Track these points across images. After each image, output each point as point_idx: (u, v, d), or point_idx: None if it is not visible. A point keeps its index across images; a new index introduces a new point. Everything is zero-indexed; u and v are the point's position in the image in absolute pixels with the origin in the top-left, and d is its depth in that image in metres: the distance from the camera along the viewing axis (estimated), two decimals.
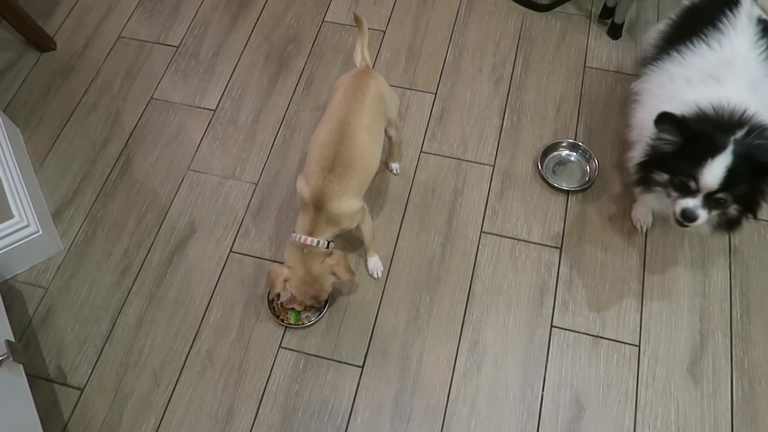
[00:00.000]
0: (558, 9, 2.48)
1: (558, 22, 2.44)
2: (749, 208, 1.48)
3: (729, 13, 1.63)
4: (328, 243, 1.64)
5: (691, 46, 1.65)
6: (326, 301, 1.85)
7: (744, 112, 1.46)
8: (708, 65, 1.59)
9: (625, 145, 2.13)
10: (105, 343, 1.86)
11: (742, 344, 1.79)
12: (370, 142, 1.67)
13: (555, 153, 2.13)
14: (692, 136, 1.42)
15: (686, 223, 1.49)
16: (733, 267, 1.91)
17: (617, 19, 2.33)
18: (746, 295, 1.86)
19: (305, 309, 1.85)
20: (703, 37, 1.63)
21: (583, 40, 2.39)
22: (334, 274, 1.65)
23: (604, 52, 2.36)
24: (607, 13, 2.39)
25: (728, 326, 1.82)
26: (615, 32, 2.37)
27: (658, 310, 1.85)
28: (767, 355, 1.77)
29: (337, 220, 1.62)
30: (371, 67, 1.80)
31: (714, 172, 1.40)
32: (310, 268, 1.62)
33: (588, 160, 2.10)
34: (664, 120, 1.42)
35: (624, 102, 2.23)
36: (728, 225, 1.55)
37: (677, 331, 1.81)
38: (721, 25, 1.62)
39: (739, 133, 1.42)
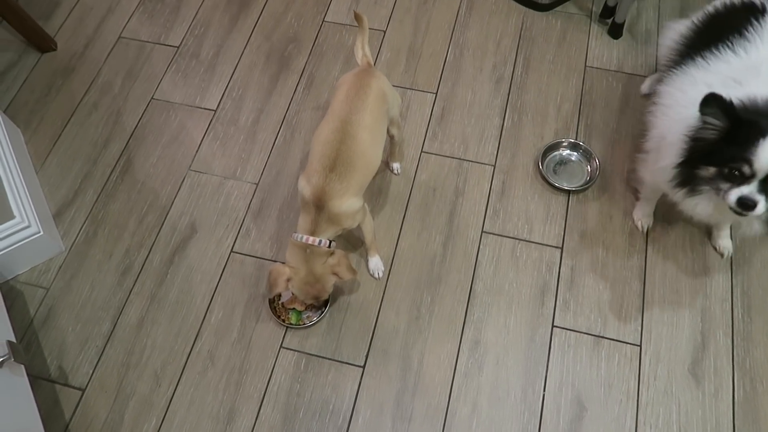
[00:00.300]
0: (559, 8, 2.47)
1: (559, 22, 2.44)
2: None
3: (755, 21, 1.61)
4: (330, 242, 1.64)
5: (716, 51, 1.62)
6: (327, 301, 1.86)
7: None
8: (732, 70, 1.56)
9: (636, 150, 2.13)
10: (106, 344, 1.86)
11: (744, 344, 1.79)
12: (371, 141, 1.67)
13: (556, 153, 2.13)
14: (738, 120, 1.35)
15: (745, 212, 1.39)
16: (734, 266, 1.91)
17: (618, 19, 2.32)
18: (747, 295, 1.86)
19: (306, 309, 1.85)
20: (729, 43, 1.60)
21: (584, 40, 2.39)
22: (335, 274, 1.65)
23: (605, 51, 2.35)
24: (608, 12, 2.39)
25: (730, 326, 1.82)
26: (616, 32, 2.37)
27: (660, 309, 1.85)
28: None
29: (338, 219, 1.62)
30: (372, 64, 1.79)
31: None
32: (312, 268, 1.62)
33: (589, 160, 2.10)
34: (711, 102, 1.35)
35: (625, 101, 2.23)
36: None
37: (679, 331, 1.81)
38: (747, 33, 1.60)
39: None
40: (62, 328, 1.89)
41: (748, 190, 1.37)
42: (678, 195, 1.56)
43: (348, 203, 1.61)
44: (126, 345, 1.86)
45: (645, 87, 2.22)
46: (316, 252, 1.62)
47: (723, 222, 1.57)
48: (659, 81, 1.86)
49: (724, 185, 1.42)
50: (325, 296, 1.74)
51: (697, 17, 1.81)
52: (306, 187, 1.61)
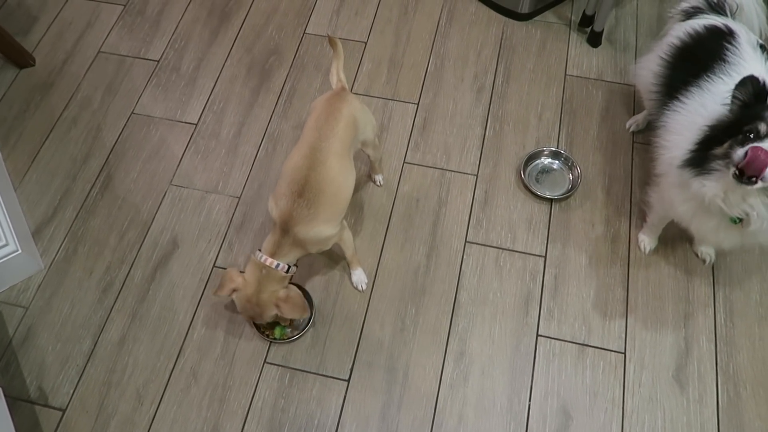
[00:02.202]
0: (538, 18, 2.49)
1: (538, 31, 2.46)
2: None
3: (729, 44, 1.62)
4: (289, 267, 1.63)
5: (708, 79, 1.61)
6: (310, 318, 1.84)
7: None
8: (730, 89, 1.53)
9: (613, 164, 2.14)
10: (87, 362, 1.83)
11: (727, 349, 1.80)
12: (341, 168, 1.64)
13: (537, 161, 2.14)
14: (763, 97, 1.38)
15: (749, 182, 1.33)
16: (716, 272, 1.92)
17: (596, 27, 2.35)
18: (729, 300, 1.87)
19: (289, 324, 1.83)
20: (718, 70, 1.60)
21: (564, 49, 2.40)
22: (278, 307, 1.64)
23: (584, 59, 2.37)
24: (587, 21, 2.41)
25: (713, 331, 1.83)
26: (594, 40, 2.39)
27: (643, 316, 1.85)
28: (752, 359, 1.78)
29: (304, 244, 1.62)
30: (347, 88, 1.78)
31: None
32: (259, 291, 1.62)
33: (570, 168, 2.11)
34: (747, 83, 1.38)
35: (605, 109, 2.24)
36: None
37: (662, 338, 1.82)
38: (729, 59, 1.60)
39: None
40: (42, 347, 1.86)
41: (766, 144, 1.32)
42: (688, 174, 1.50)
43: (316, 230, 1.60)
44: (107, 363, 1.83)
45: (632, 125, 2.18)
46: (271, 275, 1.61)
47: (726, 208, 1.51)
48: (648, 120, 1.83)
49: (736, 149, 1.36)
50: (261, 322, 1.77)
51: (663, 52, 1.79)
52: (274, 209, 1.61)
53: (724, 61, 1.61)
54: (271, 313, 1.66)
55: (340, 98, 1.72)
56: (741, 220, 1.47)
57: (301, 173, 1.58)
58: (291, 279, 1.71)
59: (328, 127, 1.64)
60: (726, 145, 1.40)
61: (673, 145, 1.65)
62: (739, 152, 1.33)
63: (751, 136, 1.35)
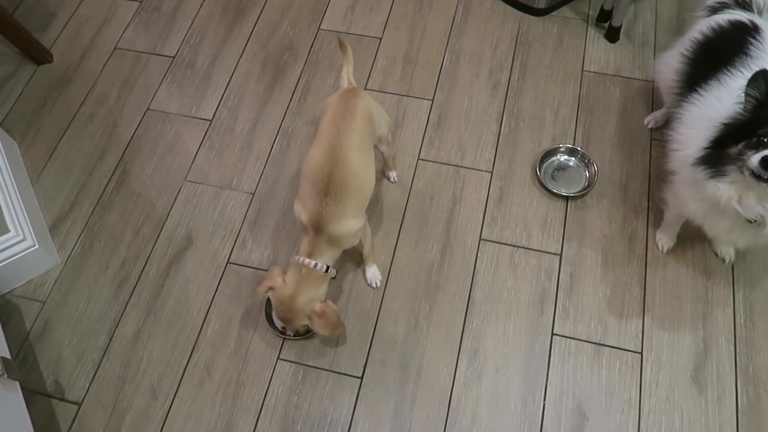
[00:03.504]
0: (555, 13, 2.46)
1: (555, 26, 2.42)
2: None
3: (754, 40, 1.59)
4: (328, 267, 1.62)
5: (728, 72, 1.58)
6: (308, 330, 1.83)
7: None
8: None
9: (631, 156, 2.12)
10: (102, 357, 1.85)
11: (746, 350, 1.76)
12: (362, 161, 1.64)
13: (553, 158, 2.11)
14: None
15: (766, 173, 1.32)
16: (735, 271, 1.89)
17: (615, 22, 2.31)
18: (749, 300, 1.84)
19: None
20: (739, 64, 1.57)
21: (581, 44, 2.37)
22: (311, 318, 1.61)
23: (602, 55, 2.34)
24: (605, 16, 2.38)
25: (732, 332, 1.79)
26: (612, 35, 2.35)
27: (661, 316, 1.83)
28: None
29: (339, 241, 1.61)
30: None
31: None
32: (296, 295, 1.60)
33: (587, 165, 2.08)
34: (759, 78, 1.34)
35: (623, 106, 2.21)
36: None
37: (680, 338, 1.79)
38: (752, 53, 1.57)
39: None
40: (58, 341, 1.88)
41: None
42: (702, 174, 1.48)
43: (347, 225, 1.59)
44: (122, 358, 1.84)
45: (650, 122, 2.15)
46: (311, 275, 1.60)
47: (742, 211, 1.48)
48: (668, 117, 1.80)
49: (750, 154, 1.34)
50: (290, 329, 1.75)
51: (685, 48, 1.76)
52: (302, 213, 1.60)
53: (746, 55, 1.58)
54: (301, 322, 1.64)
55: (354, 94, 1.71)
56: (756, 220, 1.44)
57: (324, 171, 1.58)
58: (330, 282, 1.69)
59: (346, 122, 1.64)
60: (741, 145, 1.38)
61: (686, 140, 1.62)
62: (754, 160, 1.32)
63: (766, 140, 1.33)
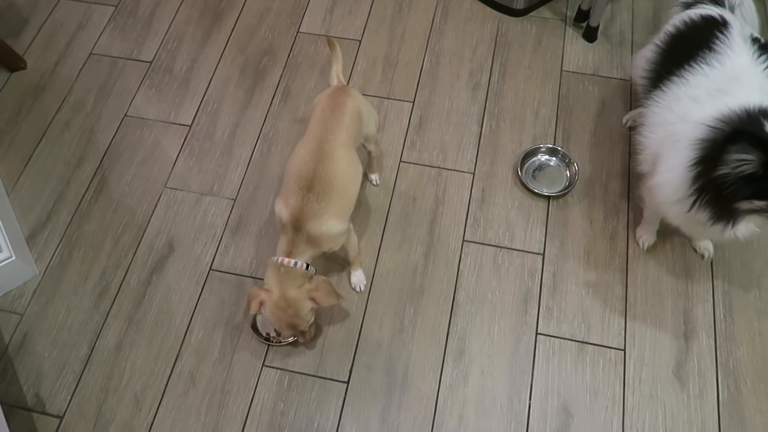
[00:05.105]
0: (533, 13, 2.48)
1: (534, 27, 2.44)
2: None
3: (721, 35, 1.61)
4: (307, 265, 1.60)
5: (691, 67, 1.61)
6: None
7: None
8: (713, 82, 1.55)
9: (613, 156, 2.14)
10: (84, 369, 1.82)
11: (727, 344, 1.79)
12: (349, 159, 1.64)
13: (534, 158, 2.12)
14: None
15: None
16: (715, 267, 1.92)
17: (592, 22, 2.33)
18: (729, 295, 1.87)
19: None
20: (701, 58, 1.60)
21: (560, 44, 2.39)
22: (313, 299, 1.57)
23: (580, 55, 2.36)
24: (582, 16, 2.40)
25: (712, 326, 1.82)
26: (591, 35, 2.37)
27: (643, 313, 1.85)
28: (752, 354, 1.77)
29: (317, 241, 1.59)
30: (346, 85, 1.78)
31: None
32: (285, 291, 1.56)
33: (568, 165, 2.10)
34: (739, 139, 1.29)
35: (602, 105, 2.23)
36: None
37: (662, 334, 1.81)
38: (717, 47, 1.60)
39: None
40: (38, 354, 1.85)
41: None
42: (701, 223, 1.49)
43: (328, 225, 1.57)
44: (105, 369, 1.82)
45: (628, 119, 2.18)
46: (291, 273, 1.57)
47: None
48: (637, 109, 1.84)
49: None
50: (302, 326, 1.63)
51: (659, 39, 1.80)
52: (283, 210, 1.58)
53: (710, 49, 1.60)
54: (306, 309, 1.58)
55: (344, 92, 1.71)
56: None
57: (309, 167, 1.57)
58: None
59: (334, 119, 1.63)
60: (763, 203, 1.36)
61: (649, 144, 1.67)
62: None
63: None
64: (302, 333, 1.68)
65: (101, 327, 1.88)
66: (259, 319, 1.85)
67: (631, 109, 2.20)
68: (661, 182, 1.57)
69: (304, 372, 1.79)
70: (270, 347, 1.83)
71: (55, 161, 2.20)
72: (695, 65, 1.60)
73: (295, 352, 1.82)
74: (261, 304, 1.58)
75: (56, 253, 2.01)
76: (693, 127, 1.48)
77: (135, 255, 2.00)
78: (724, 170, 1.36)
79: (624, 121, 2.18)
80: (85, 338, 1.87)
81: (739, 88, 1.51)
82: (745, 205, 1.40)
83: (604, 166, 2.10)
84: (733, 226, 1.45)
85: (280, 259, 1.57)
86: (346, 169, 1.62)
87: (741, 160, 1.32)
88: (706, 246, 1.92)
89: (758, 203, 1.37)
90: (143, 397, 1.77)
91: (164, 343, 1.85)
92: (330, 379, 1.78)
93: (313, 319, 1.67)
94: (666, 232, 1.95)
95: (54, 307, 1.92)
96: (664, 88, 1.66)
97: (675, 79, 1.63)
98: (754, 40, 1.62)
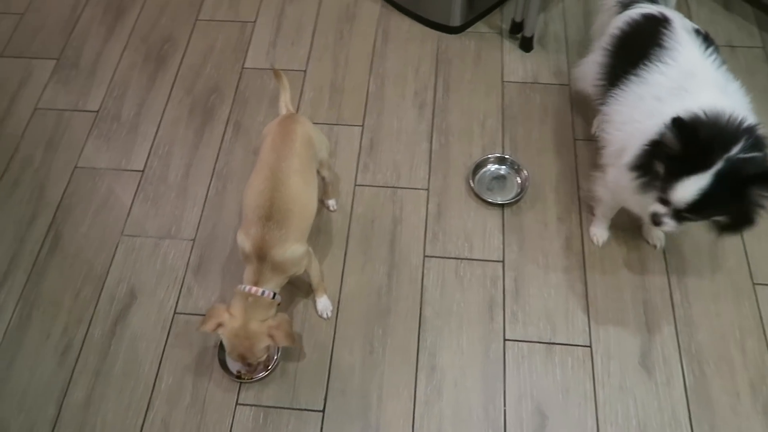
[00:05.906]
0: (470, 29, 2.55)
1: (472, 42, 2.51)
2: (740, 221, 1.44)
3: (665, 31, 1.67)
4: (274, 294, 1.62)
5: (645, 67, 1.65)
6: (277, 352, 1.81)
7: (740, 122, 1.42)
8: (672, 80, 1.60)
9: (562, 159, 2.19)
10: (53, 430, 1.78)
11: (687, 329, 1.85)
12: (304, 184, 1.67)
13: (485, 169, 2.17)
14: (691, 145, 1.37)
15: (654, 224, 1.53)
16: (667, 255, 1.98)
17: (527, 33, 2.41)
18: (683, 281, 1.93)
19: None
20: (655, 56, 1.65)
21: (498, 56, 2.46)
22: (271, 336, 1.58)
23: (519, 65, 2.44)
24: (517, 28, 2.48)
25: (671, 314, 1.88)
26: (526, 45, 2.45)
27: (604, 308, 1.89)
28: (711, 336, 1.83)
29: (282, 267, 1.61)
30: (295, 113, 1.81)
31: (685, 192, 1.39)
32: (248, 322, 1.56)
33: (517, 172, 2.15)
34: (675, 125, 1.37)
35: (544, 111, 2.30)
36: (724, 230, 1.50)
37: (625, 326, 1.86)
38: (665, 43, 1.65)
39: (735, 149, 1.36)
40: (4, 420, 1.80)
41: (663, 210, 1.50)
42: (632, 176, 1.58)
43: (291, 250, 1.60)
44: (75, 427, 1.78)
45: (595, 127, 2.20)
46: (258, 302, 1.58)
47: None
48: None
49: (659, 190, 1.49)
50: (252, 359, 1.61)
51: (606, 43, 1.85)
52: (245, 241, 1.59)
53: (661, 46, 1.66)
54: (262, 345, 1.58)
55: (293, 119, 1.74)
56: None
57: (265, 196, 1.58)
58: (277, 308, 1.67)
59: (285, 147, 1.66)
60: (662, 172, 1.47)
61: (615, 140, 1.72)
62: (650, 208, 1.53)
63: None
64: (248, 365, 1.68)
65: (68, 384, 1.84)
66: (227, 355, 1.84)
67: (572, 113, 2.27)
68: (624, 166, 1.62)
69: (279, 405, 1.78)
70: (242, 385, 1.81)
71: (6, 221, 2.16)
72: (650, 63, 1.65)
73: (267, 386, 1.81)
74: (219, 325, 1.58)
75: (14, 315, 1.97)
76: (662, 124, 1.51)
77: (96, 307, 1.97)
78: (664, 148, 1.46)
79: (593, 131, 2.20)
80: (51, 398, 1.82)
81: (699, 86, 1.56)
82: (657, 167, 1.49)
83: (553, 169, 2.16)
84: (643, 192, 1.56)
85: (247, 288, 1.57)
86: (302, 194, 1.65)
87: (665, 145, 1.44)
88: (658, 236, 1.99)
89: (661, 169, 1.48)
90: None
91: (134, 393, 1.82)
92: (305, 410, 1.77)
93: (264, 357, 1.66)
94: (618, 228, 2.01)
95: (17, 371, 1.87)
96: (623, 87, 1.70)
97: (633, 78, 1.68)
98: (697, 33, 1.69)
